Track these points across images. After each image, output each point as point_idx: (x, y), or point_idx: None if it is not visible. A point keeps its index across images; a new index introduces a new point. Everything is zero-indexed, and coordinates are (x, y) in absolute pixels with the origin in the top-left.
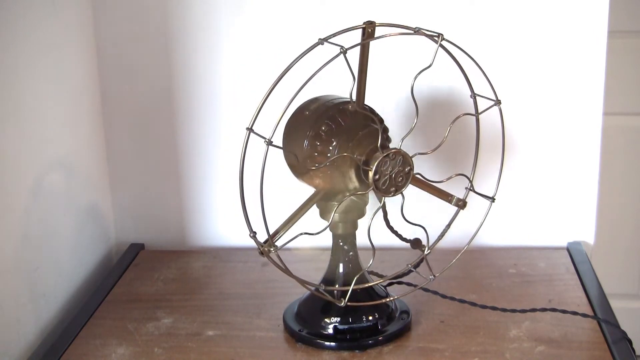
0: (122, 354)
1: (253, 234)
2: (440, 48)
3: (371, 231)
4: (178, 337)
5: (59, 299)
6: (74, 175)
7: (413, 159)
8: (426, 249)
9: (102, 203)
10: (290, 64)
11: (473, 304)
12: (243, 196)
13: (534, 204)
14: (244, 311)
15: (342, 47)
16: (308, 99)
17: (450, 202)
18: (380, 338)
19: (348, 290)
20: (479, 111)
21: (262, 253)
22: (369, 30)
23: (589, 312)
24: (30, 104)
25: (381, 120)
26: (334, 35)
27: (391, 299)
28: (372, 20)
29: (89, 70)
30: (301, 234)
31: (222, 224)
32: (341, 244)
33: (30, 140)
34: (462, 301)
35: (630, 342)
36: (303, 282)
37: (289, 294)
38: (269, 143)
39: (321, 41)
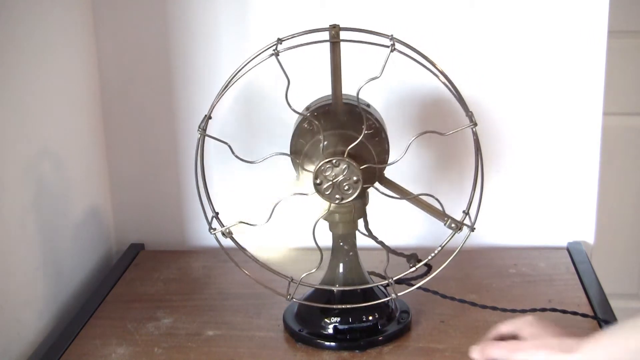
0: (122, 354)
1: (215, 214)
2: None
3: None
4: (178, 337)
5: (59, 299)
6: (74, 175)
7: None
8: (387, 268)
9: (102, 203)
10: (244, 63)
11: (473, 304)
12: (198, 186)
13: (534, 203)
14: (244, 311)
15: (275, 48)
16: (319, 97)
17: (445, 222)
18: (380, 338)
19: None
20: (449, 132)
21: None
22: (333, 33)
23: (589, 312)
24: (31, 104)
25: (377, 124)
26: (295, 35)
27: (390, 298)
28: (336, 23)
29: (89, 71)
30: (240, 222)
31: None
32: (341, 244)
33: (31, 141)
34: (462, 301)
35: None
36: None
37: None
38: (202, 133)
39: (279, 40)
